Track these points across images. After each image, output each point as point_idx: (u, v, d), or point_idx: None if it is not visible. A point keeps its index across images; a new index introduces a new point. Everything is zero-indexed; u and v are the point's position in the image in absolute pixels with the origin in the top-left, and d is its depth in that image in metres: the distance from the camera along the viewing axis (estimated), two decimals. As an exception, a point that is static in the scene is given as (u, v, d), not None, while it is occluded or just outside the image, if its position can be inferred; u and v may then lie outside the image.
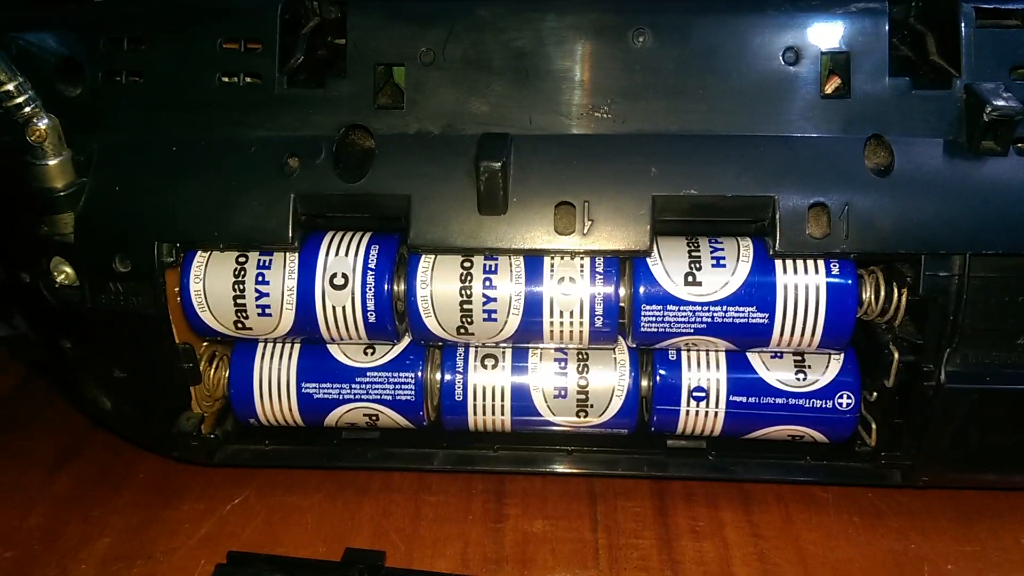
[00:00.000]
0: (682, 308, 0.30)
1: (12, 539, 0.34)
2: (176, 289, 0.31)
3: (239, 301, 0.31)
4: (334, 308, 0.31)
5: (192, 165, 0.30)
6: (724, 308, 0.30)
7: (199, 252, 0.31)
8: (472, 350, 0.33)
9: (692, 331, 0.31)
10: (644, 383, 0.33)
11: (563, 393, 0.33)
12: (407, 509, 0.35)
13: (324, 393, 0.33)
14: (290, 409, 0.33)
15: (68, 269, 0.30)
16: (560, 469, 0.35)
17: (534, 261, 0.30)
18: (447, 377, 0.33)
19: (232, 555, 0.31)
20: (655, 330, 0.31)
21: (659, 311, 0.30)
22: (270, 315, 0.31)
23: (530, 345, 0.33)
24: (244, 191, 0.29)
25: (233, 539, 0.33)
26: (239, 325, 0.31)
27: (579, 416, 0.33)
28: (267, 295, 0.31)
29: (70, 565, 0.32)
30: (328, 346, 0.33)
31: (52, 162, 0.29)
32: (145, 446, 0.37)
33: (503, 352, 0.33)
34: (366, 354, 0.33)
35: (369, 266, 0.31)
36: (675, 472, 0.35)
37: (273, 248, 0.30)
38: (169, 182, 0.30)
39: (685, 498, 0.36)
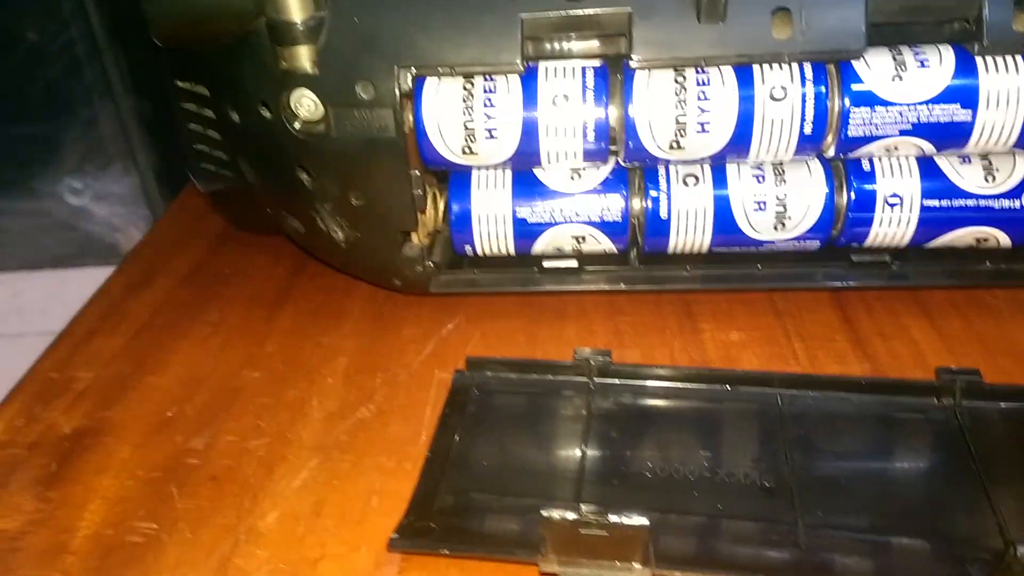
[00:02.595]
0: (889, 109, 0.32)
1: (255, 362, 0.37)
2: (409, 117, 0.33)
3: (468, 126, 0.33)
4: (556, 127, 0.33)
5: (424, -7, 0.32)
6: (930, 107, 0.32)
7: (428, 80, 0.33)
8: (673, 170, 0.35)
9: (897, 132, 0.32)
10: (837, 194, 0.35)
11: (762, 205, 0.35)
12: (607, 327, 0.38)
13: (537, 216, 0.36)
14: (505, 234, 0.36)
15: (310, 100, 0.33)
16: (752, 285, 0.37)
17: (745, 71, 0.32)
18: (652, 194, 0.35)
19: (470, 360, 0.34)
20: (861, 134, 0.33)
21: (867, 113, 0.32)
22: (496, 138, 0.33)
23: (729, 161, 0.35)
24: (476, 15, 0.31)
25: (457, 356, 0.36)
26: (466, 150, 0.34)
27: (776, 229, 0.35)
28: (494, 118, 0.33)
29: (316, 379, 0.36)
30: (538, 175, 0.36)
31: (294, -3, 0.31)
32: (367, 277, 0.40)
33: (703, 170, 0.35)
34: (572, 180, 0.36)
35: (587, 86, 0.33)
36: (860, 283, 0.37)
37: (503, 70, 0.32)
38: (405, 10, 0.32)
39: (866, 310, 0.38)
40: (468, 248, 0.37)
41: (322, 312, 0.40)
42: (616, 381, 0.33)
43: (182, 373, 0.36)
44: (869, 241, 0.36)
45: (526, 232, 0.36)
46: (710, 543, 0.27)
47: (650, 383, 0.33)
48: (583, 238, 0.36)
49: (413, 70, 0.32)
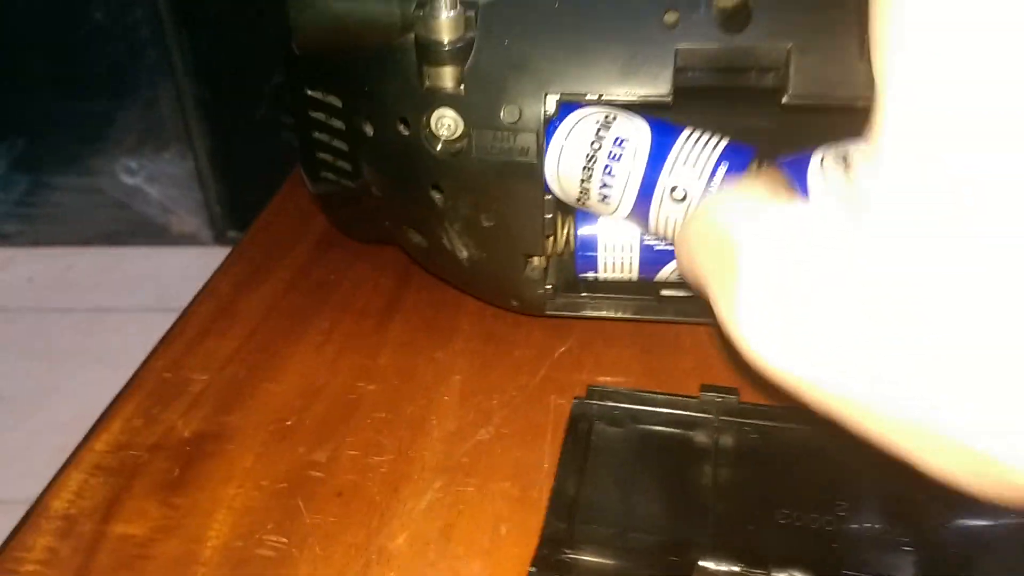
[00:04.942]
0: None
1: (370, 375, 0.37)
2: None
3: (584, 184, 0.33)
4: (667, 218, 0.33)
5: (574, 18, 0.31)
6: None
7: (563, 122, 0.33)
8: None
9: None
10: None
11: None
12: (723, 362, 0.37)
13: (666, 244, 0.35)
14: (631, 261, 0.36)
15: (451, 120, 0.32)
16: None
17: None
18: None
19: (592, 389, 0.33)
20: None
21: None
22: (607, 204, 0.33)
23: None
24: (629, 43, 0.31)
25: (572, 381, 0.36)
26: (579, 201, 0.34)
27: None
28: (611, 187, 0.33)
29: (433, 396, 0.35)
30: (668, 201, 0.35)
31: (445, 16, 0.31)
32: (485, 295, 0.39)
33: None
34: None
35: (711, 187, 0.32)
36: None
37: (652, 100, 0.32)
38: (554, 35, 0.31)
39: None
40: (591, 273, 0.36)
41: (434, 326, 0.40)
42: (744, 420, 0.32)
43: (298, 381, 0.36)
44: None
45: (653, 259, 0.36)
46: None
47: (779, 424, 0.32)
48: (710, 270, 0.35)
49: (559, 96, 0.32)
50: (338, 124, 0.37)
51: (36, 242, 1.35)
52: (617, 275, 0.36)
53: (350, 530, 0.29)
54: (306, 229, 0.48)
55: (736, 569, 0.25)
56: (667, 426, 0.32)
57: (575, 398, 0.34)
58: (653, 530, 0.28)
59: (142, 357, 0.38)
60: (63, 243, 1.37)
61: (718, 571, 0.25)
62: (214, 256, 0.47)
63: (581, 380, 0.36)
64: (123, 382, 0.37)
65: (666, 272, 0.36)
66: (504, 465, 0.32)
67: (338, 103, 0.36)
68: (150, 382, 0.37)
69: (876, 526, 0.28)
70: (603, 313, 0.38)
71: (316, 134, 0.39)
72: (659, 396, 0.33)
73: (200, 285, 0.43)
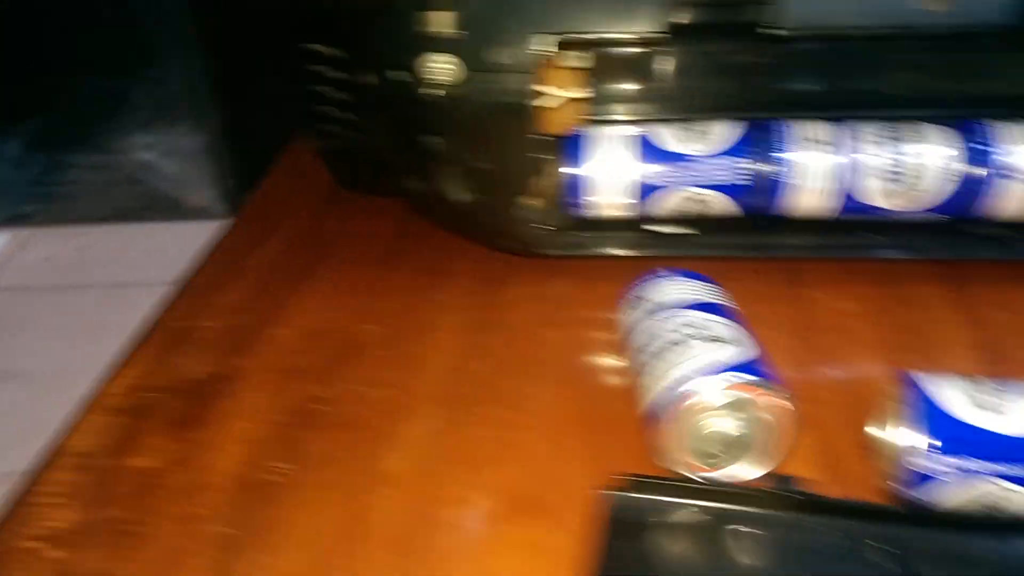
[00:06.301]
0: None
1: (372, 318, 0.38)
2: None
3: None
4: None
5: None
6: None
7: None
8: (799, 133, 0.35)
9: None
10: (961, 165, 0.35)
11: (892, 176, 0.35)
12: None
13: (658, 179, 0.36)
14: (623, 196, 0.36)
15: (449, 64, 0.33)
16: (869, 253, 0.37)
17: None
18: (776, 158, 0.35)
19: (632, 481, 0.27)
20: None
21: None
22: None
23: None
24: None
25: (565, 314, 0.37)
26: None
27: (901, 199, 0.35)
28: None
29: (433, 335, 0.37)
30: (661, 137, 0.36)
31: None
32: (477, 237, 0.40)
33: (830, 136, 0.35)
34: (696, 143, 0.36)
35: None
36: (982, 255, 0.37)
37: (640, 40, 0.32)
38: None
39: (983, 281, 0.37)
40: (582, 210, 0.37)
41: (436, 270, 0.41)
42: (819, 518, 0.26)
43: (304, 326, 0.38)
44: (990, 214, 0.35)
45: (646, 193, 0.36)
46: None
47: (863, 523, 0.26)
48: (704, 201, 0.36)
49: (550, 37, 0.32)
50: (340, 76, 0.38)
51: (53, 221, 1.37)
52: (610, 212, 0.37)
53: (354, 456, 0.31)
54: (309, 189, 0.49)
55: None
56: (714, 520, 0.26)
57: (613, 492, 0.27)
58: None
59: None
60: (79, 221, 1.38)
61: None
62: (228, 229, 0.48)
63: (578, 316, 0.37)
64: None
65: (659, 207, 0.37)
66: (501, 394, 0.33)
67: (340, 55, 0.37)
68: (163, 331, 0.38)
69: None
70: (598, 251, 0.39)
71: (319, 88, 0.39)
72: (707, 488, 0.27)
73: (215, 256, 0.44)
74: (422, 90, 0.33)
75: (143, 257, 1.28)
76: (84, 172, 1.33)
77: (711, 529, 0.26)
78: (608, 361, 0.35)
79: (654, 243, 0.38)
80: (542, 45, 0.32)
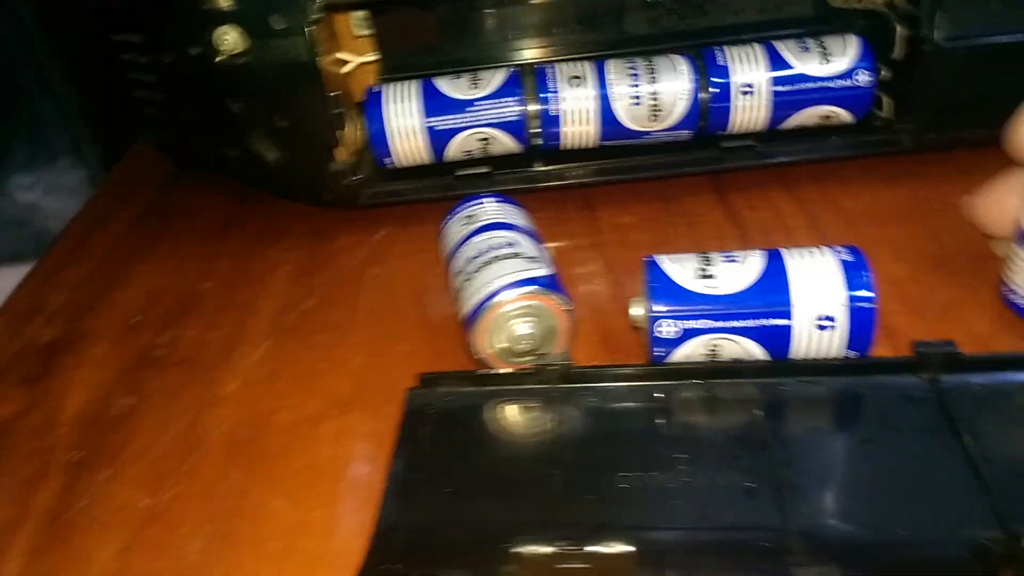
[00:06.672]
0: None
1: (209, 276, 0.42)
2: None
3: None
4: None
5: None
6: None
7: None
8: (560, 73, 0.41)
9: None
10: (700, 88, 0.41)
11: (638, 101, 0.41)
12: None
13: (445, 124, 0.41)
14: (419, 144, 0.41)
15: (232, 35, 0.37)
16: (640, 174, 0.43)
17: None
18: (543, 95, 0.41)
19: (423, 377, 0.31)
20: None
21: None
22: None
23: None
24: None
25: (387, 257, 0.42)
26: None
27: (651, 121, 0.41)
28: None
29: (265, 284, 0.41)
30: (441, 86, 0.41)
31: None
32: (300, 196, 0.45)
33: (586, 71, 0.41)
34: (473, 88, 0.41)
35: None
36: (730, 164, 0.43)
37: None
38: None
39: (738, 188, 0.44)
40: (388, 161, 0.42)
41: (269, 233, 0.45)
42: (580, 386, 0.31)
43: (145, 288, 0.41)
44: (731, 127, 0.42)
45: (437, 139, 0.41)
46: (699, 560, 0.24)
47: (614, 384, 0.31)
48: (488, 139, 0.41)
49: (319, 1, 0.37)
50: (144, 60, 0.41)
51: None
52: (412, 160, 0.42)
53: (190, 386, 0.35)
54: (152, 176, 0.52)
55: (568, 542, 0.23)
56: (502, 402, 0.30)
57: (408, 390, 0.31)
58: (489, 522, 0.25)
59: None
60: (-33, 269, 1.35)
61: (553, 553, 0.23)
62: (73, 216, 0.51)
63: (395, 252, 0.42)
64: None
65: (453, 150, 0.42)
66: (328, 323, 0.38)
67: (139, 40, 0.41)
68: (13, 310, 0.41)
69: (719, 476, 0.26)
70: (412, 197, 0.43)
71: (131, 74, 0.43)
72: (493, 375, 0.31)
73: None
74: (218, 59, 0.37)
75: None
76: (-33, 220, 1.30)
77: (491, 407, 0.30)
78: (427, 284, 0.39)
79: (460, 185, 0.43)
80: (314, 10, 0.37)
